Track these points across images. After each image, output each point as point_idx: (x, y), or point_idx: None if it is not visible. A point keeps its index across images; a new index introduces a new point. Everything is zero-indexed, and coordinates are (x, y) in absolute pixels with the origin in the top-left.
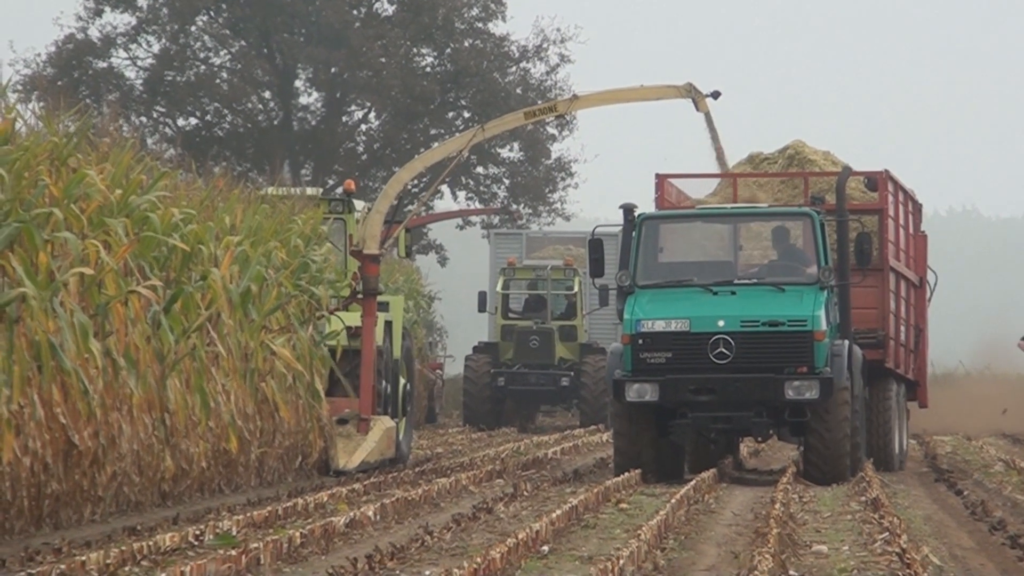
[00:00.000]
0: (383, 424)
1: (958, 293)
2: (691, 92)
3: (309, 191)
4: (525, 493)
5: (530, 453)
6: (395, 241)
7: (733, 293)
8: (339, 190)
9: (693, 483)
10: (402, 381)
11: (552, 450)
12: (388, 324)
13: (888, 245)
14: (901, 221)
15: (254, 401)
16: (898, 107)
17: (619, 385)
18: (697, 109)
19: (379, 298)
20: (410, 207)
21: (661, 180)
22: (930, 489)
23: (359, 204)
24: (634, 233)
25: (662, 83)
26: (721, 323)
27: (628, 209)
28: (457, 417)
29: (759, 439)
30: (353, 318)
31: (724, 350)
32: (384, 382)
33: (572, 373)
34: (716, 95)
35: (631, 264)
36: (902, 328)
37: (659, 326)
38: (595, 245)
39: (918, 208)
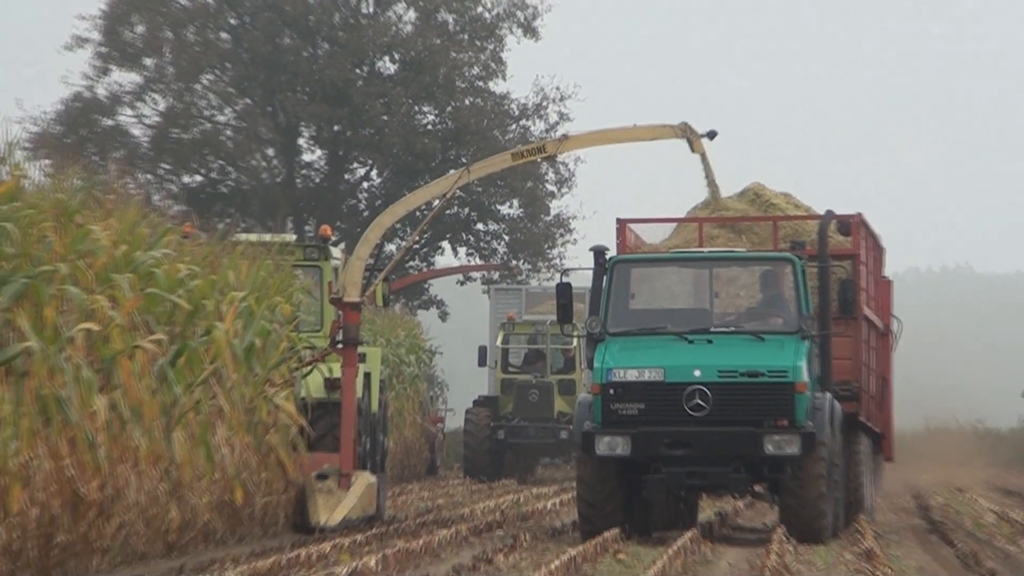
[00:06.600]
0: (365, 479)
1: (956, 349)
2: (686, 132)
3: (286, 237)
4: (524, 544)
5: (529, 505)
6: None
7: (710, 342)
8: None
9: (690, 534)
10: (380, 437)
11: (551, 502)
12: (367, 376)
13: (861, 292)
14: (871, 267)
15: (258, 453)
16: (883, 158)
17: (588, 438)
18: (692, 150)
19: (357, 349)
20: (411, 263)
21: (622, 225)
22: (923, 540)
23: (335, 251)
24: (605, 277)
25: (656, 123)
26: (697, 373)
27: (599, 252)
28: (458, 469)
29: (736, 496)
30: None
31: (700, 401)
32: (364, 436)
33: (571, 426)
34: (712, 135)
35: (601, 310)
36: (871, 379)
37: (631, 375)
38: (563, 289)
39: (882, 252)
